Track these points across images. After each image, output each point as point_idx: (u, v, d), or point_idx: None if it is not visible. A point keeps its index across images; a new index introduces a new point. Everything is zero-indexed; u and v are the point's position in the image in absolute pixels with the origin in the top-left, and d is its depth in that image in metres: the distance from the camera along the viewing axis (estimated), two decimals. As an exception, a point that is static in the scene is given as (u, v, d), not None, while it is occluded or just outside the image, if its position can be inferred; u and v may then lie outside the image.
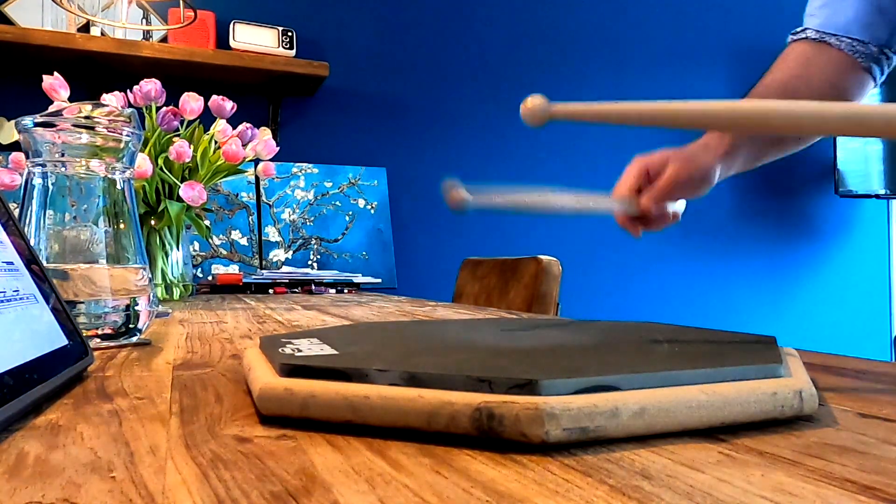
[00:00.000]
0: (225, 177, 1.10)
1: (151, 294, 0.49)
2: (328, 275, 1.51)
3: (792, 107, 0.31)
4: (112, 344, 0.45)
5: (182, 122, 1.03)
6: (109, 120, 0.46)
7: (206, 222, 1.37)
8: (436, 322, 0.43)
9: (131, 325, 0.46)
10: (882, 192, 2.38)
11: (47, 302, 0.33)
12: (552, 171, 2.16)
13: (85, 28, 1.61)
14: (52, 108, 0.81)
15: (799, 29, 0.78)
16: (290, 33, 1.75)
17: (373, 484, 0.17)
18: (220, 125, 1.07)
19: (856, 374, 0.33)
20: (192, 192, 0.95)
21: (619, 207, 0.72)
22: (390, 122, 1.99)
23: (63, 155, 0.45)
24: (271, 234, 1.73)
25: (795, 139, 0.77)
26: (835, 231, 2.53)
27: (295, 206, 1.78)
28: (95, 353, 0.38)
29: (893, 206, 2.62)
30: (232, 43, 1.68)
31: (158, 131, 0.99)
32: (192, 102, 1.02)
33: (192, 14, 1.48)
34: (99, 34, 1.60)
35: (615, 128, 2.25)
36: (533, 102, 0.38)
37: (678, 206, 0.73)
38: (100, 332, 0.44)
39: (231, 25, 1.69)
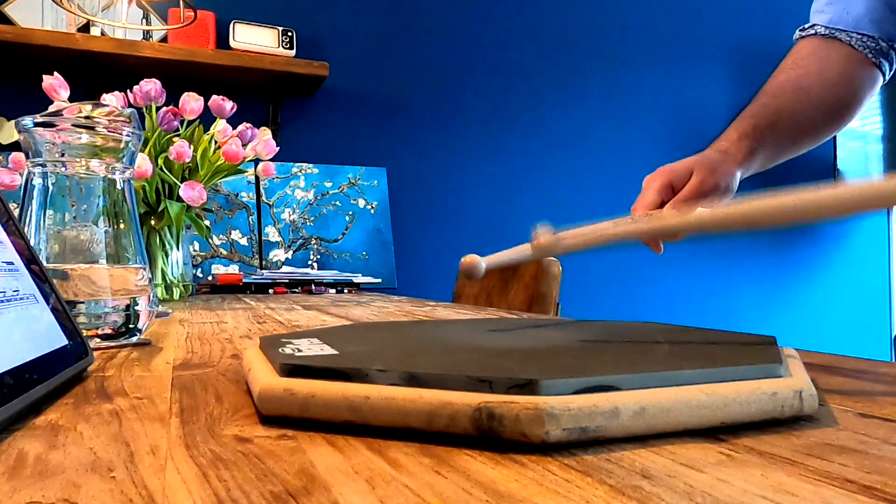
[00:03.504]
0: (225, 177, 1.10)
1: (151, 294, 0.49)
2: (328, 275, 1.51)
3: (786, 202, 0.30)
4: (112, 344, 0.45)
5: (182, 122, 1.03)
6: (109, 120, 0.46)
7: (206, 222, 1.37)
8: (436, 322, 0.43)
9: (131, 325, 0.46)
10: (882, 192, 2.37)
11: (47, 302, 0.33)
12: (553, 171, 2.16)
13: (85, 28, 1.61)
14: (52, 108, 0.81)
15: (807, 25, 0.78)
16: (290, 33, 1.75)
17: (373, 484, 0.17)
18: (220, 125, 1.07)
19: (856, 374, 0.33)
20: (192, 192, 0.95)
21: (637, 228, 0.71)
22: (390, 122, 1.99)
23: (63, 155, 0.45)
24: (271, 234, 1.73)
25: (812, 139, 0.77)
26: (835, 231, 2.53)
27: (295, 206, 1.78)
28: (95, 353, 0.38)
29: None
30: (232, 43, 1.68)
31: (158, 131, 0.99)
32: (192, 102, 1.02)
33: (192, 14, 1.48)
34: (99, 34, 1.60)
35: (617, 130, 2.25)
36: (544, 238, 0.40)
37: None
38: (100, 332, 0.44)
39: (231, 25, 1.69)
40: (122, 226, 0.48)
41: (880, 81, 0.75)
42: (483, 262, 0.49)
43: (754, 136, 0.72)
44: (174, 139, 1.01)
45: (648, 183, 0.71)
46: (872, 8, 0.72)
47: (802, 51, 0.76)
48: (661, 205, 0.69)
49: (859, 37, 0.73)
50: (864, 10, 0.73)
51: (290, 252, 1.73)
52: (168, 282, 1.03)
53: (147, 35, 1.68)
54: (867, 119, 2.49)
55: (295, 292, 1.42)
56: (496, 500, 0.16)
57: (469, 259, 0.39)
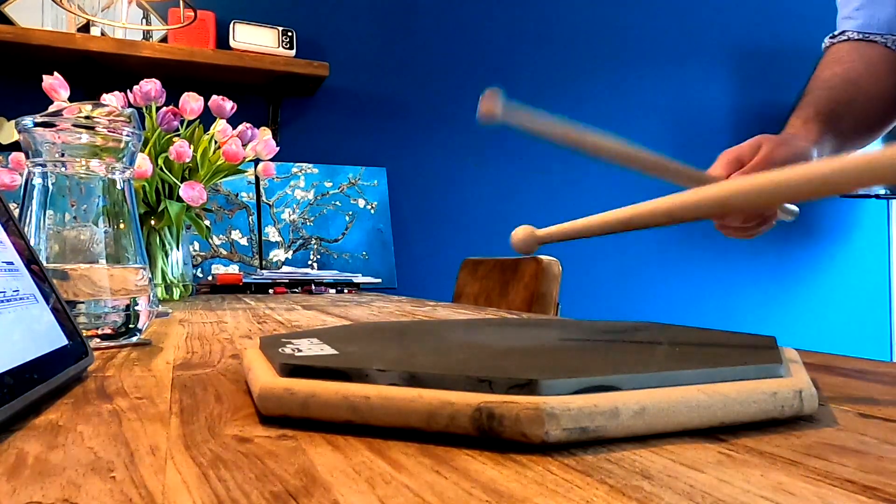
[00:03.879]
0: (225, 177, 1.10)
1: (151, 294, 0.49)
2: (328, 275, 1.51)
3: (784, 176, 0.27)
4: (112, 344, 0.45)
5: (182, 122, 1.03)
6: (109, 120, 0.46)
7: (206, 222, 1.37)
8: (436, 322, 0.43)
9: (131, 325, 0.46)
10: (882, 192, 2.38)
11: (47, 302, 0.33)
12: (553, 171, 2.16)
13: (85, 28, 1.61)
14: (52, 108, 0.81)
15: (837, 32, 0.77)
16: (290, 33, 1.75)
17: (373, 484, 0.17)
18: (220, 125, 1.07)
19: (856, 374, 0.33)
20: (192, 192, 0.95)
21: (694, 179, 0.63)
22: (390, 122, 1.99)
23: (63, 155, 0.45)
24: (271, 234, 1.73)
25: (868, 131, 0.75)
26: (835, 231, 2.53)
27: (295, 206, 1.78)
28: (95, 353, 0.38)
29: (893, 206, 2.62)
30: (232, 43, 1.68)
31: (158, 131, 0.99)
32: (192, 102, 1.02)
33: (192, 14, 1.49)
34: (99, 34, 1.60)
35: (617, 130, 2.25)
36: (522, 232, 0.37)
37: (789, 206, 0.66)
38: (100, 332, 0.44)
39: (231, 25, 1.70)
40: (122, 226, 0.48)
41: None
42: (502, 112, 0.44)
43: (819, 120, 0.70)
44: (174, 139, 1.01)
45: (716, 163, 0.67)
46: None
47: (840, 52, 0.76)
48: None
49: (894, 38, 0.73)
50: (893, 12, 0.73)
51: (290, 252, 1.73)
52: (168, 282, 1.03)
53: (147, 35, 1.68)
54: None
55: (295, 292, 1.42)
56: (496, 500, 0.16)
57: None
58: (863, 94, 0.72)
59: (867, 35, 0.74)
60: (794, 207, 0.67)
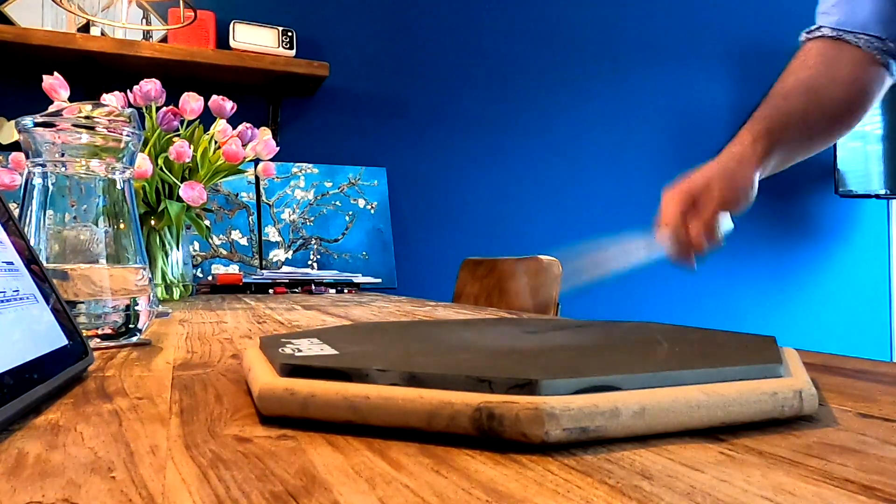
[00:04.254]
0: (225, 177, 1.10)
1: (151, 294, 0.49)
2: (328, 275, 1.51)
3: None
4: (112, 344, 0.45)
5: (182, 122, 1.03)
6: (109, 120, 0.46)
7: (206, 222, 1.37)
8: (436, 322, 0.43)
9: (131, 325, 0.46)
10: (882, 192, 2.38)
11: (47, 302, 0.33)
12: (553, 171, 2.16)
13: (85, 28, 1.61)
14: (52, 108, 0.81)
15: (813, 27, 0.77)
16: (290, 33, 1.75)
17: (373, 484, 0.17)
18: (220, 125, 1.07)
19: (856, 374, 0.33)
20: (192, 192, 0.95)
21: (668, 245, 0.71)
22: (390, 122, 1.99)
23: (63, 155, 0.45)
24: (271, 234, 1.73)
25: (823, 140, 0.77)
26: (835, 231, 2.53)
27: (295, 206, 1.78)
28: (95, 353, 0.38)
29: (893, 206, 2.62)
30: (232, 43, 1.68)
31: (158, 131, 0.99)
32: (192, 102, 1.02)
33: (192, 14, 1.48)
34: (99, 34, 1.60)
35: (617, 130, 2.25)
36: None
37: (726, 227, 0.72)
38: (100, 332, 0.44)
39: (231, 25, 1.70)
40: (122, 226, 0.48)
41: (888, 82, 0.75)
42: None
43: (768, 139, 0.72)
44: (174, 139, 1.01)
45: (667, 199, 0.71)
46: (879, 9, 0.72)
47: (810, 52, 0.76)
48: (684, 216, 0.70)
49: (867, 38, 0.73)
50: (870, 11, 0.72)
51: (290, 252, 1.73)
52: (168, 282, 1.03)
53: (147, 35, 1.68)
54: (867, 119, 2.50)
55: (295, 292, 1.42)
56: (496, 500, 0.16)
57: None
58: (821, 103, 0.74)
59: (841, 34, 0.74)
60: (730, 226, 0.73)
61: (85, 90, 1.64)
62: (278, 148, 1.15)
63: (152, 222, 1.01)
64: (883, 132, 2.42)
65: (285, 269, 1.65)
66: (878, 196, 2.40)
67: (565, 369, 0.22)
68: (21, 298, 0.30)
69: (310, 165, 1.83)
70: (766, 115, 0.73)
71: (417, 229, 1.99)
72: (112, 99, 0.99)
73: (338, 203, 1.83)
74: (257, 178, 1.68)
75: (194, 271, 1.59)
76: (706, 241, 0.70)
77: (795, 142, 0.74)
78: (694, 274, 2.29)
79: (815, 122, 0.74)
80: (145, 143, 0.99)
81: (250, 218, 1.72)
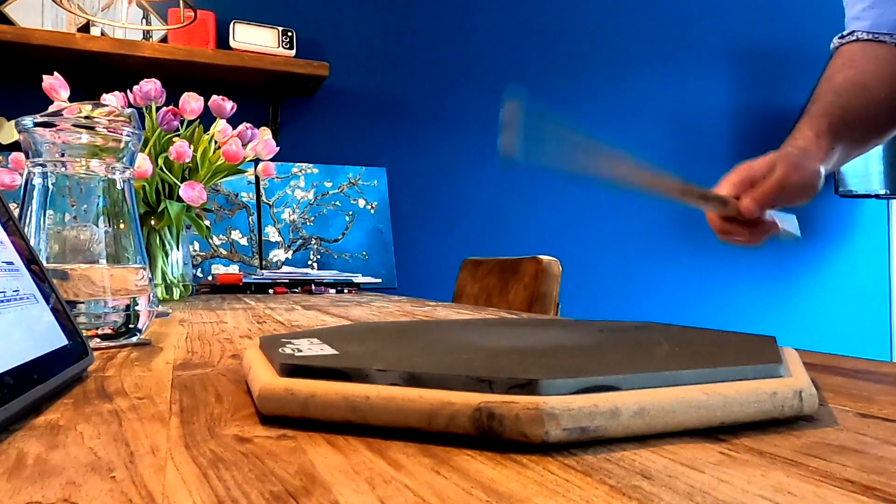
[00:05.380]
0: (225, 177, 1.10)
1: (151, 294, 0.49)
2: (328, 275, 1.51)
3: None
4: (112, 344, 0.45)
5: (182, 122, 1.03)
6: (109, 120, 0.46)
7: (206, 222, 1.37)
8: (436, 322, 0.43)
9: (131, 325, 0.46)
10: (882, 192, 2.38)
11: (47, 302, 0.33)
12: (552, 172, 2.15)
13: (85, 28, 1.61)
14: (52, 108, 0.81)
15: (845, 33, 0.77)
16: (290, 33, 1.75)
17: (373, 484, 0.17)
18: (220, 125, 1.07)
19: (856, 374, 0.33)
20: (192, 192, 0.95)
21: (712, 205, 0.64)
22: (390, 122, 1.99)
23: (63, 155, 0.45)
24: (271, 234, 1.73)
25: (877, 135, 0.75)
26: (835, 231, 2.53)
27: (295, 206, 1.78)
28: (95, 353, 0.38)
29: (893, 206, 2.62)
30: (232, 43, 1.68)
31: (158, 131, 0.99)
32: (192, 102, 1.02)
33: (192, 14, 1.48)
34: (99, 34, 1.60)
35: (617, 130, 2.25)
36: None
37: (791, 225, 0.67)
38: (100, 332, 0.44)
39: (231, 25, 1.70)
40: (122, 226, 0.48)
41: None
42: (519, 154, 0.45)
43: (831, 134, 0.70)
44: (174, 139, 1.01)
45: (725, 178, 0.67)
46: None
47: (850, 53, 0.76)
48: (738, 188, 0.65)
49: None
50: None
51: (290, 252, 1.73)
52: (168, 282, 1.03)
53: (147, 35, 1.68)
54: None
55: (295, 292, 1.42)
56: (496, 500, 0.16)
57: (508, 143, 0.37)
58: (873, 99, 0.73)
59: (876, 35, 0.74)
60: (795, 232, 0.68)
61: (85, 90, 1.64)
62: (278, 148, 1.15)
63: (152, 222, 1.01)
64: (883, 132, 2.41)
65: (285, 269, 1.65)
66: (878, 196, 2.40)
67: (565, 369, 0.22)
68: (21, 298, 0.30)
69: (310, 165, 1.83)
70: (823, 111, 0.71)
71: (417, 229, 1.99)
72: (112, 99, 0.99)
73: (338, 203, 1.83)
74: (257, 178, 1.68)
75: (194, 271, 1.59)
76: (756, 213, 0.64)
77: (854, 138, 0.73)
78: (694, 274, 2.29)
79: (871, 115, 0.73)
80: (145, 143, 0.99)
81: (250, 218, 1.72)
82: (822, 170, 0.68)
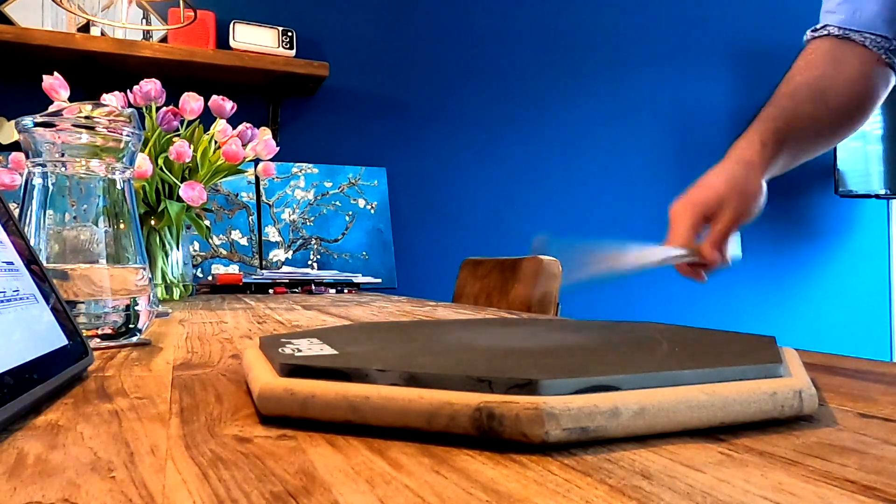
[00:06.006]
0: (225, 177, 1.10)
1: (151, 294, 0.49)
2: (328, 275, 1.51)
3: None
4: (112, 344, 0.45)
5: (182, 122, 1.03)
6: (109, 120, 0.46)
7: (206, 222, 1.37)
8: (436, 322, 0.43)
9: (131, 325, 0.46)
10: (882, 192, 2.38)
11: (47, 302, 0.33)
12: (553, 171, 2.16)
13: (85, 28, 1.61)
14: (52, 108, 0.81)
15: (819, 26, 0.77)
16: (290, 33, 1.75)
17: (373, 484, 0.17)
18: (220, 125, 1.07)
19: (856, 374, 0.33)
20: (192, 192, 0.95)
21: (679, 257, 0.69)
22: (390, 122, 1.99)
23: (63, 155, 0.45)
24: (271, 234, 1.73)
25: (828, 140, 0.76)
26: (835, 231, 2.53)
27: (295, 206, 1.78)
28: (95, 353, 0.38)
29: (893, 206, 2.62)
30: (232, 43, 1.68)
31: (158, 131, 0.99)
32: (192, 102, 1.02)
33: (192, 14, 1.48)
34: (99, 34, 1.60)
35: (617, 130, 2.25)
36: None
37: (735, 250, 0.71)
38: (100, 332, 0.44)
39: (231, 25, 1.70)
40: (122, 226, 0.48)
41: (893, 81, 0.75)
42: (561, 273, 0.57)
43: (777, 140, 0.71)
44: (174, 139, 1.01)
45: (678, 215, 0.70)
46: (885, 8, 0.72)
47: (816, 52, 0.76)
48: (695, 233, 0.69)
49: (873, 37, 0.72)
50: (877, 9, 0.72)
51: (290, 252, 1.73)
52: (168, 282, 1.03)
53: (147, 35, 1.68)
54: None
55: (295, 292, 1.42)
56: (496, 500, 0.16)
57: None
58: (828, 106, 0.73)
59: (847, 32, 0.73)
60: (739, 253, 0.72)
61: (85, 90, 1.64)
62: (278, 148, 1.15)
63: (152, 222, 1.01)
64: (883, 132, 2.42)
65: (285, 269, 1.65)
66: (878, 196, 2.40)
67: (565, 369, 0.22)
68: (21, 298, 0.30)
69: (310, 165, 1.83)
70: (774, 116, 0.73)
71: (417, 229, 1.99)
72: (112, 99, 0.99)
73: (338, 203, 1.83)
74: (257, 178, 1.68)
75: (194, 271, 1.59)
76: (719, 258, 0.69)
77: (803, 142, 0.74)
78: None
79: (822, 122, 0.74)
80: (145, 143, 0.99)
81: (250, 218, 1.72)
82: (764, 182, 0.71)
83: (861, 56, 0.73)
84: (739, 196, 0.68)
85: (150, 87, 1.00)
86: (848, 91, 0.73)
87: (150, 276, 0.50)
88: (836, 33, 0.74)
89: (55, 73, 0.96)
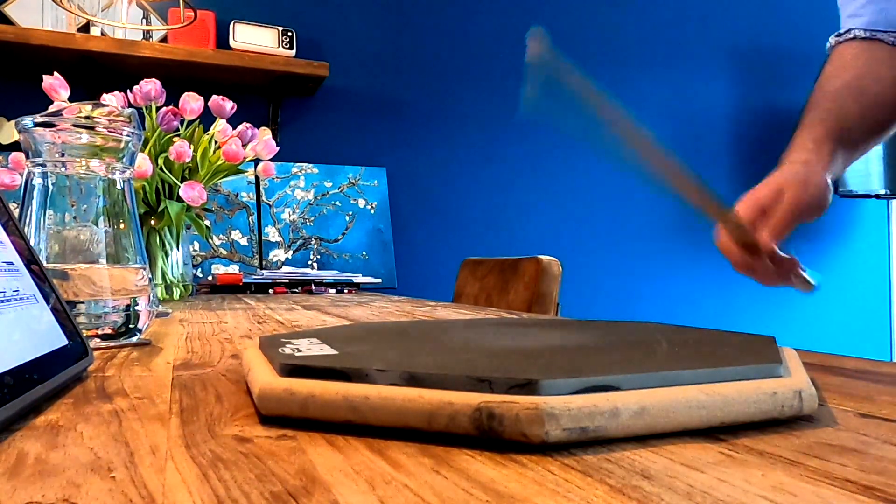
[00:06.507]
0: (225, 177, 1.10)
1: (151, 294, 0.49)
2: (328, 275, 1.51)
3: None
4: (112, 344, 0.45)
5: (182, 122, 1.03)
6: (109, 120, 0.46)
7: (206, 222, 1.37)
8: (436, 322, 0.43)
9: (131, 325, 0.46)
10: (882, 192, 2.38)
11: (47, 302, 0.33)
12: (553, 171, 2.16)
13: (85, 28, 1.61)
14: (52, 108, 0.81)
15: (842, 31, 0.76)
16: (290, 33, 1.75)
17: (373, 484, 0.17)
18: (220, 125, 1.07)
19: (856, 374, 0.33)
20: (192, 192, 0.95)
21: (729, 224, 0.62)
22: (390, 122, 1.99)
23: (63, 155, 0.45)
24: (271, 234, 1.73)
25: (877, 137, 0.74)
26: (835, 231, 2.53)
27: (295, 206, 1.78)
28: (95, 353, 0.38)
29: (893, 206, 2.62)
30: (232, 43, 1.68)
31: (158, 131, 0.99)
32: (192, 102, 1.02)
33: (192, 14, 1.49)
34: (99, 34, 1.60)
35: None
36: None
37: (810, 274, 0.66)
38: (100, 332, 0.44)
39: (231, 25, 1.70)
40: (122, 226, 0.48)
41: None
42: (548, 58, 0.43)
43: (831, 140, 0.69)
44: (174, 139, 1.01)
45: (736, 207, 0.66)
46: None
47: (845, 55, 0.75)
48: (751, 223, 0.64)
49: None
50: None
51: (290, 252, 1.73)
52: (168, 282, 1.03)
53: (147, 35, 1.68)
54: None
55: (295, 292, 1.42)
56: (496, 500, 0.16)
57: (536, 47, 0.35)
58: (870, 101, 0.72)
59: (874, 33, 0.73)
60: (813, 280, 0.66)
61: (85, 90, 1.64)
62: (278, 148, 1.15)
63: (152, 222, 1.01)
64: (883, 132, 2.42)
65: (285, 269, 1.65)
66: (878, 196, 2.40)
67: (565, 369, 0.22)
68: (21, 298, 0.30)
69: (310, 165, 1.83)
70: (822, 119, 0.71)
71: (417, 229, 1.99)
72: (112, 99, 0.99)
73: (338, 203, 1.83)
74: (257, 178, 1.68)
75: (194, 271, 1.59)
76: (772, 248, 0.63)
77: (854, 141, 0.72)
78: (693, 274, 2.29)
79: (867, 120, 0.72)
80: (145, 143, 0.99)
81: (250, 218, 1.72)
82: (829, 179, 0.67)
83: (891, 54, 0.73)
84: (798, 186, 0.64)
85: (150, 87, 1.00)
86: (886, 88, 0.72)
87: (150, 276, 0.50)
88: (863, 35, 0.74)
89: (55, 73, 0.96)
